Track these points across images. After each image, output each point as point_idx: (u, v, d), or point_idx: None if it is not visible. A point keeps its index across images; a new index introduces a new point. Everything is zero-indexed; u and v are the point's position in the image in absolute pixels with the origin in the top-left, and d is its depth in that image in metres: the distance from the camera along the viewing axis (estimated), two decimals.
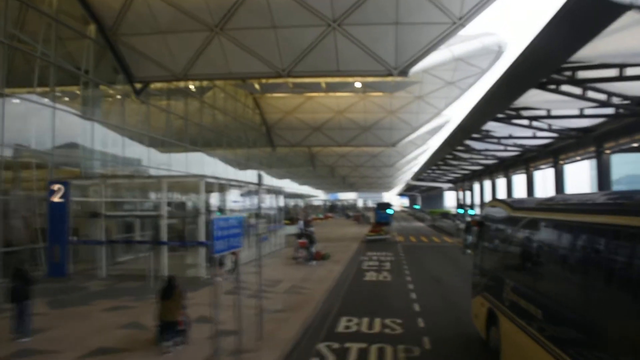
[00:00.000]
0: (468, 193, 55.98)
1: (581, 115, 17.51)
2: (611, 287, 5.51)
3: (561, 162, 25.91)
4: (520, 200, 10.56)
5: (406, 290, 17.62)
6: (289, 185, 69.34)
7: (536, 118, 19.51)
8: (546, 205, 8.09)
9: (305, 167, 72.41)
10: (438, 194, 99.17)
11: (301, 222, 38.24)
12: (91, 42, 23.81)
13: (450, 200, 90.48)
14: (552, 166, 26.50)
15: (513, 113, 18.82)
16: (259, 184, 24.07)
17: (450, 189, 72.19)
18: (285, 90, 40.85)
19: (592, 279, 5.84)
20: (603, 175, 20.73)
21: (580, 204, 6.95)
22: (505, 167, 35.40)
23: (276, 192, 31.47)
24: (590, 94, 14.38)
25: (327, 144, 57.13)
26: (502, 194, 39.94)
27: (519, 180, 35.78)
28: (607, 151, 20.40)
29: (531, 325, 7.43)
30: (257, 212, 25.02)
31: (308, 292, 16.64)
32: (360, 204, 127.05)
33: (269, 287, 16.82)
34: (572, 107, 16.87)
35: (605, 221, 5.64)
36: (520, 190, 36.55)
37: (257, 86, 39.29)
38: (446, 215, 63.62)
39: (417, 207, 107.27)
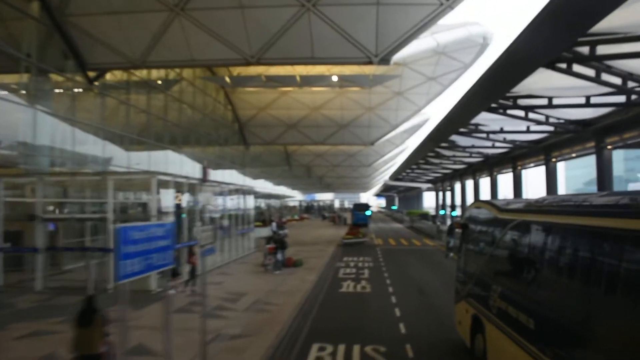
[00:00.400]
0: (448, 193, 53.65)
1: (587, 105, 15.72)
2: (612, 295, 5.06)
3: (554, 159, 24.30)
4: (507, 202, 9.95)
5: (389, 304, 15.41)
6: (263, 185, 68.00)
7: (533, 108, 17.68)
8: (537, 207, 7.79)
9: (281, 166, 70.32)
10: (415, 195, 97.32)
11: (274, 224, 37.33)
12: (34, 23, 21.09)
13: (428, 201, 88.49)
14: (543, 164, 24.77)
15: (509, 103, 17.10)
16: (204, 179, 21.80)
17: (429, 189, 70.89)
18: (258, 83, 37.93)
19: (589, 286, 5.45)
20: (604, 172, 18.81)
21: (577, 206, 6.59)
22: (490, 165, 33.55)
23: (245, 192, 29.11)
24: (604, 77, 12.78)
25: (303, 142, 54.51)
26: (485, 195, 38.53)
27: (504, 180, 34.61)
28: (609, 147, 18.67)
29: (521, 334, 7.13)
30: (202, 212, 22.64)
31: (275, 308, 14.31)
32: (337, 204, 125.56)
33: (229, 302, 14.54)
34: (578, 94, 15.20)
35: (607, 224, 5.29)
36: (505, 191, 35.23)
37: (227, 79, 36.62)
38: (425, 216, 62.14)
39: (394, 207, 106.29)
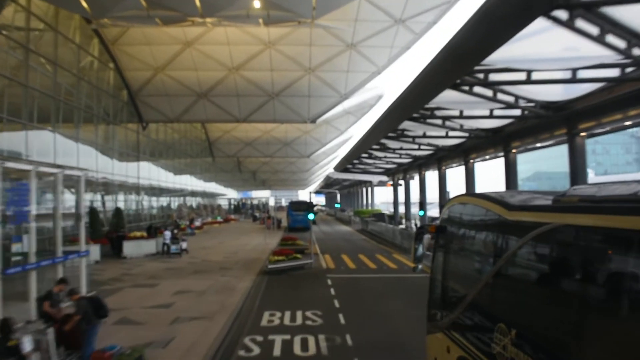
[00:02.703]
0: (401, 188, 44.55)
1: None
2: None
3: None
4: (512, 195, 6.70)
5: None
6: (188, 182, 58.92)
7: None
8: (590, 202, 4.59)
9: (201, 157, 62.44)
10: (358, 192, 79.59)
11: (167, 235, 27.03)
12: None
13: (379, 197, 75.60)
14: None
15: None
16: None
17: (380, 183, 55.74)
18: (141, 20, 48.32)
19: None
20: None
21: None
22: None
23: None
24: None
25: (221, 119, 46.32)
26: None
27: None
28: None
29: None
30: None
31: None
32: (272, 202, 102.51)
33: None
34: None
35: None
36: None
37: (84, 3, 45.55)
38: (380, 216, 50.47)
39: (338, 205, 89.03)
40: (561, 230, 4.72)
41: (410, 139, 23.97)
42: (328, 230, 53.56)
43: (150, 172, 43.59)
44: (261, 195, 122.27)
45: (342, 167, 46.59)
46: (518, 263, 5.60)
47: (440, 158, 29.84)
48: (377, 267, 24.33)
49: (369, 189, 69.59)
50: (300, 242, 29.62)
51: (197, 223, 48.44)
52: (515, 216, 5.63)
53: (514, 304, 5.63)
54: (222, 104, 38.51)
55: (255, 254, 28.28)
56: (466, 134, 22.56)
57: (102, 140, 33.80)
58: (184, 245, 28.20)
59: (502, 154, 21.82)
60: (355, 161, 39.33)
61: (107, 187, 33.99)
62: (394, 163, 37.53)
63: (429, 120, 19.56)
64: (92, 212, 28.03)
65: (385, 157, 33.86)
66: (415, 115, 18.80)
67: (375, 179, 56.47)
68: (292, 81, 36.60)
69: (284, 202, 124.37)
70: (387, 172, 45.57)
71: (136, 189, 39.80)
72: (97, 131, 32.81)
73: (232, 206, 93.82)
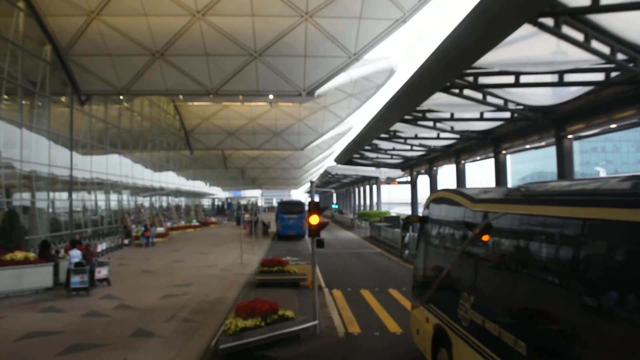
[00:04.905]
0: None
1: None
2: None
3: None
4: (479, 191, 8.01)
5: None
6: (157, 178, 48.76)
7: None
8: (527, 196, 6.27)
9: (177, 149, 56.32)
10: (353, 191, 79.51)
11: (75, 253, 16.63)
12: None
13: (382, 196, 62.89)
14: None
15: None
16: None
17: (387, 181, 53.63)
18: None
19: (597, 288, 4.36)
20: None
21: (578, 193, 5.32)
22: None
23: None
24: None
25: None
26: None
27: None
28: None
29: (498, 350, 5.90)
30: None
31: None
32: (261, 202, 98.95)
33: None
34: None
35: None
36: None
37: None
38: (394, 220, 40.68)
39: (335, 206, 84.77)
40: (505, 218, 6.47)
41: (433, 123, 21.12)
42: (327, 237, 38.97)
43: (94, 163, 33.65)
44: (251, 195, 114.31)
45: (347, 157, 36.62)
46: (477, 244, 7.19)
47: (459, 151, 27.22)
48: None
49: (374, 187, 61.45)
50: (291, 269, 17.99)
51: (160, 229, 37.73)
52: (477, 207, 7.33)
53: (474, 277, 7.12)
54: (186, 67, 28.31)
55: (218, 289, 17.19)
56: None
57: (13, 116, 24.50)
58: (103, 272, 17.39)
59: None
60: (365, 148, 31.11)
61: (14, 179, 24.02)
62: (402, 157, 34.00)
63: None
64: None
65: (394, 148, 30.03)
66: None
67: (383, 174, 52.42)
68: (282, 32, 26.17)
69: (275, 203, 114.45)
70: (404, 164, 37.65)
71: (68, 183, 28.87)
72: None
73: (217, 207, 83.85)
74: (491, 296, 6.63)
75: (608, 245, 4.35)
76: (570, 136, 17.06)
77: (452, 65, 12.62)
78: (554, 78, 13.53)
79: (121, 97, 37.50)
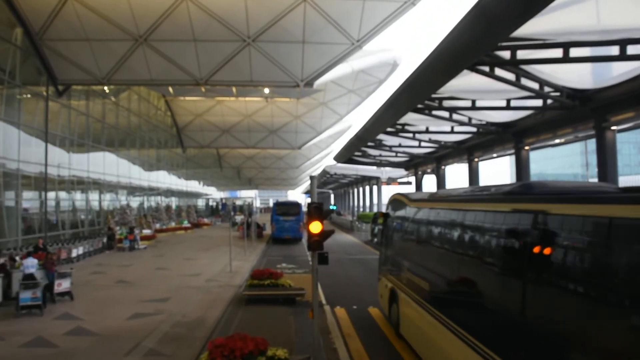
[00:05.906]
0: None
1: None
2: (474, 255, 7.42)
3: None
4: (416, 194, 13.05)
5: None
6: (146, 177, 46.21)
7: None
8: (438, 197, 10.61)
9: (168, 146, 53.87)
10: (351, 192, 78.85)
11: (31, 260, 14.34)
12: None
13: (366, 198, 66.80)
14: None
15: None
16: None
17: (390, 180, 50.98)
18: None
19: (454, 252, 8.11)
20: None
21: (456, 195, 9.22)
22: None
23: None
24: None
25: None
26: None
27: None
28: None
29: (420, 295, 9.40)
30: None
31: None
32: (257, 203, 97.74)
33: None
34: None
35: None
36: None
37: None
38: None
39: (334, 207, 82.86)
40: (420, 211, 10.43)
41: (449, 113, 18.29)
42: (326, 241, 36.48)
43: (75, 161, 30.72)
44: (247, 195, 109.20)
45: (348, 154, 33.73)
46: (409, 230, 11.24)
47: (472, 147, 24.52)
48: None
49: (374, 187, 58.87)
50: (285, 282, 15.35)
51: (147, 231, 34.66)
52: (413, 205, 11.17)
53: (408, 253, 11.16)
54: (172, 54, 25.57)
55: (199, 306, 14.41)
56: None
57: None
58: (65, 285, 14.62)
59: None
60: (369, 145, 27.97)
61: None
62: (407, 155, 30.90)
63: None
64: None
65: (400, 145, 27.08)
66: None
67: (385, 173, 51.11)
68: (278, 14, 23.46)
69: (271, 203, 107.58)
70: (408, 162, 34.66)
71: (42, 181, 26.17)
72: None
73: (211, 207, 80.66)
74: (414, 262, 10.45)
75: (464, 225, 7.76)
76: (614, 127, 14.26)
77: (491, 30, 9.90)
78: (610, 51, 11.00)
79: (106, 90, 35.05)
